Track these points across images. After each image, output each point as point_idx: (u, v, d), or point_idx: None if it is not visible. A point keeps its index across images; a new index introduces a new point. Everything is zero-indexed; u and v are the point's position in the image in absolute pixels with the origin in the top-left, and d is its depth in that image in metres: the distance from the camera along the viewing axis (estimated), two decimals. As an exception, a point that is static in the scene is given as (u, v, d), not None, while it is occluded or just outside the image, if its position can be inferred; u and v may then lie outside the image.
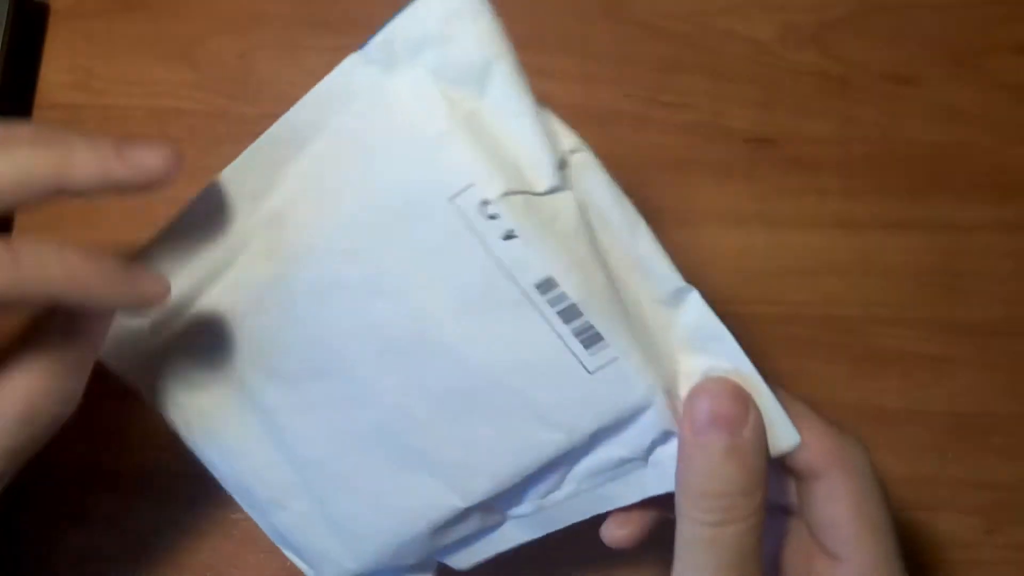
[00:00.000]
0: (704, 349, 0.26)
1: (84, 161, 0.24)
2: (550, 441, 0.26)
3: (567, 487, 0.28)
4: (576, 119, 0.41)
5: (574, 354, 0.25)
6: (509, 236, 0.25)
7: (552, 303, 0.25)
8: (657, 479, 0.27)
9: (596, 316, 0.25)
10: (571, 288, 0.25)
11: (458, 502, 0.28)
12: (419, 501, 0.28)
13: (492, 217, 0.24)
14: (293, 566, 0.36)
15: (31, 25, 0.42)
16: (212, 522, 0.37)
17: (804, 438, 0.25)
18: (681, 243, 0.40)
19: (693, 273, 0.39)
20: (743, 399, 0.25)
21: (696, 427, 0.25)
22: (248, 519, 0.37)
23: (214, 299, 0.29)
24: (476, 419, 0.27)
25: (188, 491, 0.37)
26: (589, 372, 0.26)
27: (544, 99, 0.41)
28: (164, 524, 0.37)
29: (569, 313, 0.25)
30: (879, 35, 0.42)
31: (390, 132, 0.26)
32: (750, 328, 0.39)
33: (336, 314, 0.27)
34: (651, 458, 0.27)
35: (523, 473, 0.27)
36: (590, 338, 0.25)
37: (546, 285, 0.25)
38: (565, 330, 0.25)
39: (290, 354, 0.28)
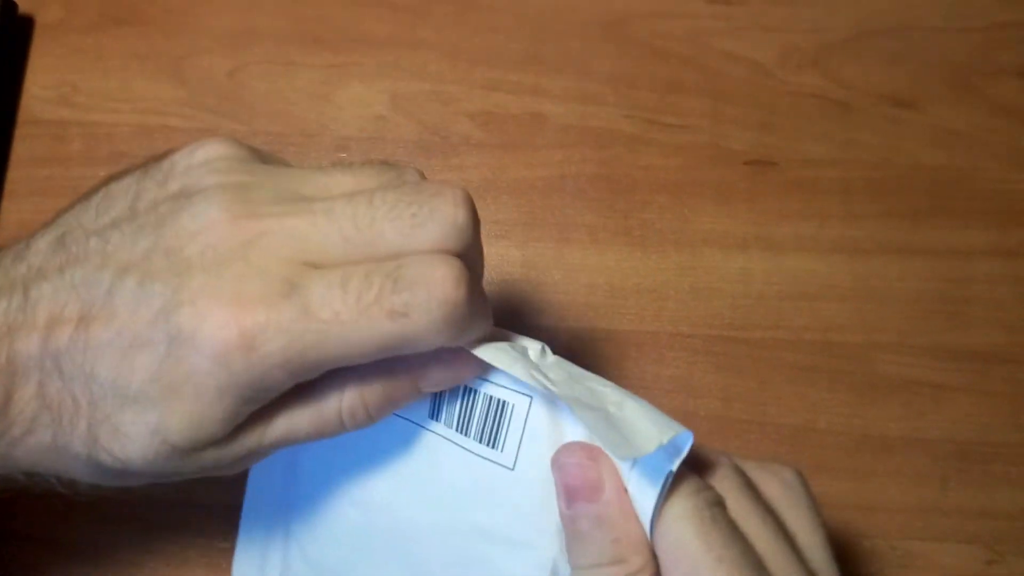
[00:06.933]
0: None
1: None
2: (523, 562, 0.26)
3: None
4: (574, 140, 0.41)
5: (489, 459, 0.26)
6: None
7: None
8: None
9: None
10: None
11: None
12: None
13: None
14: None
15: (15, 39, 0.41)
16: (198, 551, 0.36)
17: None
18: (680, 266, 0.40)
19: (691, 297, 0.39)
20: (593, 459, 0.24)
21: (563, 503, 0.24)
22: (234, 549, 0.36)
23: None
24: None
25: (174, 520, 0.36)
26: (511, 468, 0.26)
27: (542, 118, 0.41)
28: (149, 553, 0.36)
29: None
30: (880, 58, 0.42)
31: None
32: (750, 353, 0.38)
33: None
34: None
35: None
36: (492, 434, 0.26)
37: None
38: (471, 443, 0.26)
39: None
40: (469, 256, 0.24)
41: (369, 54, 0.42)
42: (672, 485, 0.23)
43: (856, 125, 0.41)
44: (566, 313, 0.39)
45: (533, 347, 0.26)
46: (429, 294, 0.22)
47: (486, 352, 0.24)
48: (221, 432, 0.23)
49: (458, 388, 0.26)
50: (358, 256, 0.23)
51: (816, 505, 0.26)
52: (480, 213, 0.39)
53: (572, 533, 0.24)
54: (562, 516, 0.24)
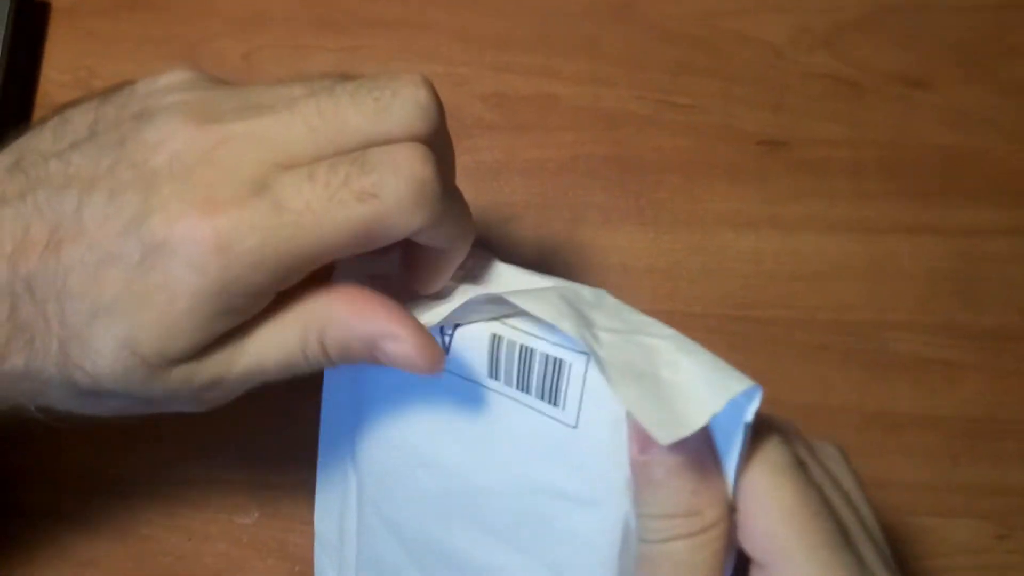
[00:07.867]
0: None
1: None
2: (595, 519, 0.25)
3: None
4: (586, 121, 0.41)
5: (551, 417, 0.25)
6: None
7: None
8: None
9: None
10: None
11: None
12: None
13: None
14: (301, 573, 0.36)
15: (32, 23, 0.42)
16: (219, 527, 0.37)
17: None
18: (692, 246, 0.40)
19: (703, 276, 0.39)
20: None
21: (640, 447, 0.22)
22: (256, 524, 0.37)
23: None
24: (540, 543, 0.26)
25: (194, 495, 0.37)
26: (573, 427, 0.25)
27: (554, 100, 0.41)
28: (170, 529, 0.37)
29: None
30: (892, 37, 0.42)
31: None
32: (762, 332, 0.39)
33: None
34: None
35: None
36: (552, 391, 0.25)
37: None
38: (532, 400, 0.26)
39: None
40: (437, 143, 0.24)
41: (380, 37, 0.42)
42: (759, 438, 0.21)
43: (867, 105, 0.41)
44: (578, 293, 0.39)
45: (589, 292, 0.26)
46: (396, 171, 0.22)
47: (534, 304, 0.24)
48: (190, 345, 0.23)
49: (514, 347, 0.26)
50: (327, 150, 0.23)
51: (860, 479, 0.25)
52: (492, 195, 0.40)
53: (643, 481, 0.22)
54: (633, 463, 0.23)
